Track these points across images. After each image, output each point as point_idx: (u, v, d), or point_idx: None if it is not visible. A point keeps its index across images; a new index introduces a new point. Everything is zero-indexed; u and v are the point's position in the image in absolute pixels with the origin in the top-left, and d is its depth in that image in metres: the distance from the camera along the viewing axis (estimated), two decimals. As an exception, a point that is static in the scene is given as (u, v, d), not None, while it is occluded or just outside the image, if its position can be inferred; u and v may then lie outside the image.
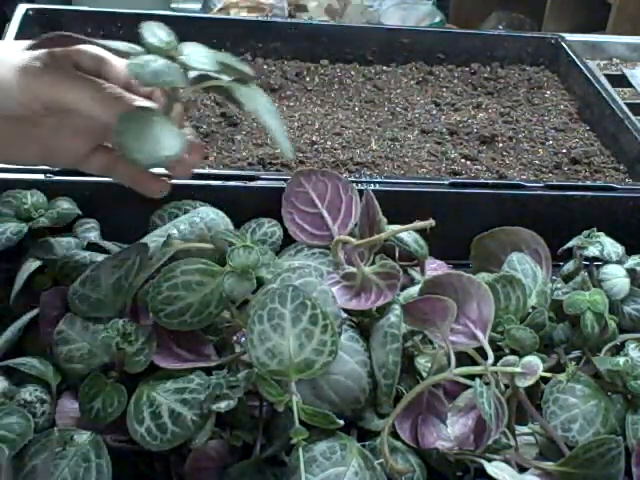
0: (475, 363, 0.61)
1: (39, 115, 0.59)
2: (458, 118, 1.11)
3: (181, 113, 0.61)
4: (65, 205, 0.74)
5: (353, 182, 0.76)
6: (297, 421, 0.54)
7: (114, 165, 0.64)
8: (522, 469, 0.59)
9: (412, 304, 0.63)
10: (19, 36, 1.03)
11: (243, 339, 0.61)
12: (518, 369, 0.59)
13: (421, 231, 0.72)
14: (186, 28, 1.19)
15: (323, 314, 0.56)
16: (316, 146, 0.99)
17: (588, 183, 0.92)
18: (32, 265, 0.67)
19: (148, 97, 0.60)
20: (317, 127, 1.04)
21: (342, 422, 0.55)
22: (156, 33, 0.55)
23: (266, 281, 0.61)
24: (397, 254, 0.74)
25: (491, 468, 0.56)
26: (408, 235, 0.72)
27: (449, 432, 0.59)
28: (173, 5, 2.42)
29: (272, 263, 0.64)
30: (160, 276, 0.59)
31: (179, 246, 0.64)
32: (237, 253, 0.59)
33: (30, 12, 1.08)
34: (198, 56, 0.55)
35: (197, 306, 0.59)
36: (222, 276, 0.59)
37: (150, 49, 0.54)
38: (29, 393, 0.59)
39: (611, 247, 0.73)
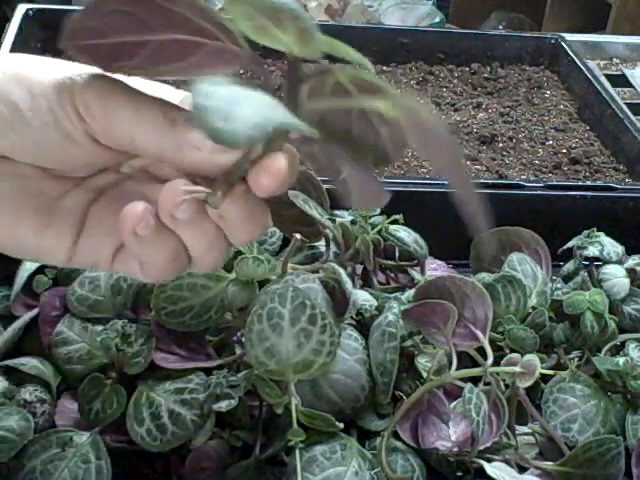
0: (476, 363, 0.61)
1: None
2: (458, 118, 1.11)
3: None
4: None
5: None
6: (295, 423, 0.54)
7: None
8: (522, 469, 0.59)
9: (411, 309, 0.63)
10: (19, 36, 1.03)
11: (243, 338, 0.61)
12: (517, 369, 0.58)
13: (421, 231, 0.72)
14: (186, 28, 1.20)
15: (322, 314, 0.56)
16: (316, 146, 0.99)
17: (588, 183, 0.92)
18: (32, 265, 0.67)
19: None
20: (317, 127, 1.04)
21: (342, 425, 0.55)
22: None
23: (269, 282, 0.61)
24: (397, 254, 0.74)
25: (491, 468, 0.56)
26: (408, 235, 0.72)
27: (451, 435, 0.59)
28: (173, 5, 2.41)
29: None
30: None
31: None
32: (246, 263, 0.59)
33: (30, 12, 1.08)
34: None
35: (198, 309, 0.58)
36: (226, 282, 0.59)
37: None
38: (29, 393, 0.59)
39: (611, 247, 0.73)
